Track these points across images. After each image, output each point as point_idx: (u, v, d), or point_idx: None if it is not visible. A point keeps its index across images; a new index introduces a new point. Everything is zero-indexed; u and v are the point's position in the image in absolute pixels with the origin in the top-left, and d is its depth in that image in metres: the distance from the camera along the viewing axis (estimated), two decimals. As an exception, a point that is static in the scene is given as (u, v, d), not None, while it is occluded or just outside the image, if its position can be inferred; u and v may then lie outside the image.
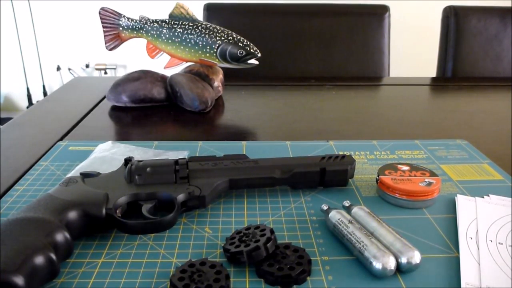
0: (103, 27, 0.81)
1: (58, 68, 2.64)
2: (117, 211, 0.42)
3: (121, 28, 0.81)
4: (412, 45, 2.37)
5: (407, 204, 0.48)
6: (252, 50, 0.75)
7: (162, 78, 0.82)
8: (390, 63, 1.27)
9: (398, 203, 0.48)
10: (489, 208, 0.47)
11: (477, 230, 0.43)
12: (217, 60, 0.77)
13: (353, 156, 0.52)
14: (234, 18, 1.24)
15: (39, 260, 0.33)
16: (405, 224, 0.45)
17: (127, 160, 0.48)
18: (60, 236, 0.37)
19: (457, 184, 0.53)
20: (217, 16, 1.21)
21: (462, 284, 0.36)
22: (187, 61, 0.80)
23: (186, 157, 0.49)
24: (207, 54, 0.77)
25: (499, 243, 0.41)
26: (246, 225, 0.43)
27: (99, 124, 0.75)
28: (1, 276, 0.31)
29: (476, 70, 1.24)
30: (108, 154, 0.57)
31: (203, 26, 0.77)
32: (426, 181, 0.49)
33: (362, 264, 0.38)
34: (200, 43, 0.76)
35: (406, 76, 1.13)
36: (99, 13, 0.80)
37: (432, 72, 1.34)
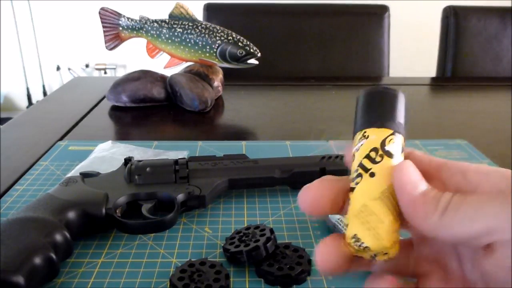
0: (103, 27, 0.81)
1: (58, 68, 2.64)
2: (117, 211, 0.42)
3: (121, 28, 0.81)
4: (412, 45, 2.37)
5: (407, 204, 0.47)
6: (252, 50, 0.75)
7: (162, 78, 0.82)
8: (390, 63, 1.27)
9: (398, 203, 0.48)
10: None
11: (477, 230, 0.43)
12: (217, 60, 0.77)
13: (353, 156, 0.52)
14: (234, 18, 1.24)
15: (39, 260, 0.33)
16: (405, 224, 0.45)
17: (127, 160, 0.48)
18: (60, 236, 0.37)
19: (456, 184, 0.53)
20: (217, 16, 1.21)
21: (462, 284, 0.36)
22: (187, 61, 0.80)
23: (186, 157, 0.49)
24: (207, 54, 0.77)
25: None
26: (246, 225, 0.43)
27: (99, 124, 0.75)
28: (1, 276, 0.31)
29: (476, 70, 1.24)
30: (107, 154, 0.57)
31: (203, 26, 0.77)
32: (426, 181, 0.48)
33: (362, 264, 0.38)
34: (200, 43, 0.76)
35: (406, 76, 1.13)
36: (99, 13, 0.80)
37: (432, 72, 1.34)
